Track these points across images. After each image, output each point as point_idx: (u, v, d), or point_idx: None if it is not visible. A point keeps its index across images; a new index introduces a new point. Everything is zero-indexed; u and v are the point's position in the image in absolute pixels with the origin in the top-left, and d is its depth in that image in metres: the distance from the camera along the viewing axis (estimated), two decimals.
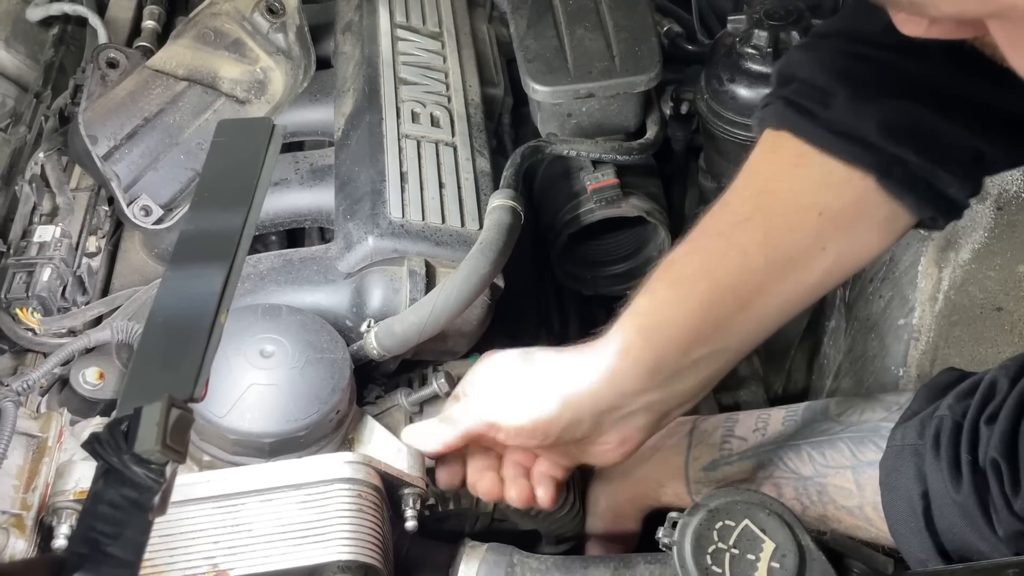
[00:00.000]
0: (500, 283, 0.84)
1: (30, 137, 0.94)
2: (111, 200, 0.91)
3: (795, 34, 0.89)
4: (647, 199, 1.00)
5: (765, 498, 0.63)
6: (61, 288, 0.80)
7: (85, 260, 0.83)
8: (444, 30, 1.02)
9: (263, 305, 0.76)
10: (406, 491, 0.72)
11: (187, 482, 0.68)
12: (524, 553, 0.77)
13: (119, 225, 0.93)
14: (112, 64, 0.88)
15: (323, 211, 0.92)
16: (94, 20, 1.02)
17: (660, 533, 0.65)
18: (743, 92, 0.92)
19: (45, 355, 0.82)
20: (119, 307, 0.83)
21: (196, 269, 0.56)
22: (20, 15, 1.08)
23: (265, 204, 0.91)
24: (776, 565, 0.60)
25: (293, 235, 1.05)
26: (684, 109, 1.04)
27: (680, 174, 1.15)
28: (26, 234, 0.82)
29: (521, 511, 0.83)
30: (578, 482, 0.86)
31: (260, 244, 1.04)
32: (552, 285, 1.12)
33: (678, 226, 1.15)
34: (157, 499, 0.49)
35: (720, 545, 0.61)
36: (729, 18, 0.93)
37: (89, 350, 0.81)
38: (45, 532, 0.71)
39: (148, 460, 0.48)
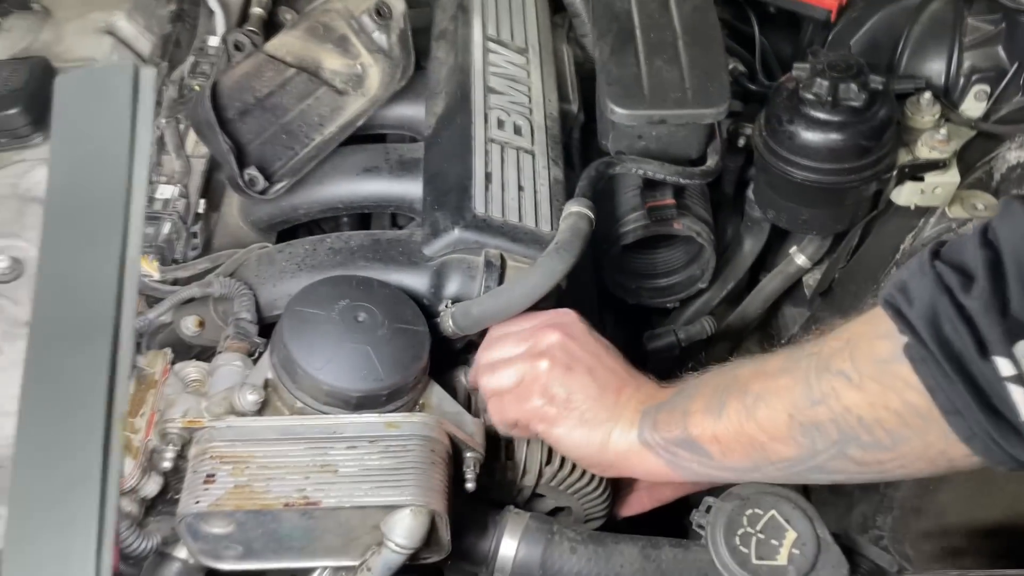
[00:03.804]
0: (563, 284, 0.92)
1: None
2: (216, 168, 1.00)
3: (853, 86, 0.97)
4: (698, 221, 1.09)
5: (792, 493, 0.72)
6: (176, 242, 0.89)
7: (197, 220, 0.92)
8: (530, 46, 1.12)
9: (357, 277, 0.86)
10: (468, 455, 0.81)
11: (283, 423, 0.77)
12: (562, 524, 0.86)
13: (219, 191, 1.03)
14: (238, 47, 0.98)
15: (406, 200, 1.01)
16: (213, 4, 1.12)
17: (695, 515, 0.74)
18: (800, 133, 1.01)
19: (146, 299, 0.91)
20: (221, 264, 0.93)
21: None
22: None
23: (356, 188, 1.04)
24: (796, 552, 0.69)
25: (362, 218, 1.15)
26: (741, 143, 1.12)
27: (728, 202, 1.24)
28: (150, 190, 0.91)
29: (559, 489, 0.92)
30: None
31: (332, 223, 1.14)
32: (596, 290, 1.20)
33: (721, 249, 1.24)
34: None
35: (748, 529, 0.70)
36: (795, 64, 1.01)
37: (190, 301, 0.91)
38: (149, 454, 0.80)
39: None
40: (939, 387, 0.58)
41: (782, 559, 0.68)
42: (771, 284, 1.22)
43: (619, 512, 0.99)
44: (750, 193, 1.16)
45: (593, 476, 0.92)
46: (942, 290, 0.58)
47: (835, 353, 0.66)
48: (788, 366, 0.69)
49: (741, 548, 0.69)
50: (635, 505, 0.99)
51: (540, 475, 0.91)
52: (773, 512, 0.70)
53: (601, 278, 1.16)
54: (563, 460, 0.90)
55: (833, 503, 1.22)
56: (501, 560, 0.82)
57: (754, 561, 0.68)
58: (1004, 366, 0.56)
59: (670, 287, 1.18)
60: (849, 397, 0.64)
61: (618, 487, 0.98)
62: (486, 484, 0.90)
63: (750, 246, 1.21)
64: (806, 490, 1.24)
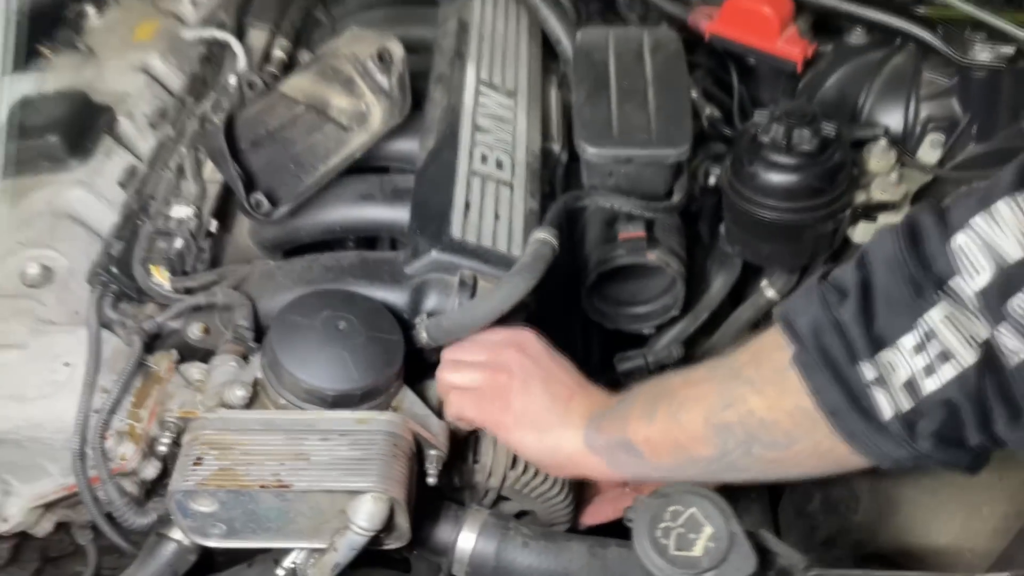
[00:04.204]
0: (530, 302, 1.01)
1: (173, 134, 1.16)
2: (231, 192, 1.12)
3: (806, 132, 1.05)
4: (669, 253, 1.18)
5: (712, 494, 0.80)
6: (187, 256, 1.01)
7: (208, 238, 1.04)
8: (519, 90, 1.22)
9: (343, 291, 0.96)
10: (431, 452, 0.90)
11: (266, 416, 0.87)
12: (519, 522, 0.94)
13: (233, 213, 1.14)
14: (251, 86, 1.10)
15: (397, 225, 1.12)
16: (237, 47, 1.25)
17: (627, 510, 0.82)
18: (760, 174, 1.09)
19: (159, 306, 1.02)
20: (227, 278, 1.03)
21: None
22: (176, 34, 1.32)
23: (353, 213, 1.15)
24: (711, 545, 0.76)
25: (368, 242, 1.26)
26: (712, 182, 1.21)
27: (705, 238, 1.32)
28: (166, 210, 1.03)
29: (523, 492, 1.00)
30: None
31: (340, 245, 1.25)
32: (579, 316, 1.29)
33: (697, 281, 1.32)
34: None
35: (670, 524, 0.78)
36: (756, 111, 1.10)
37: (197, 309, 1.02)
38: (149, 441, 0.90)
39: None
40: (820, 391, 0.67)
41: (697, 551, 0.76)
42: (743, 315, 1.29)
43: (583, 522, 1.07)
44: (722, 228, 1.24)
45: (555, 481, 1.00)
46: (823, 305, 0.67)
47: (744, 363, 0.75)
48: (708, 375, 0.78)
49: (661, 540, 0.77)
50: (598, 515, 1.07)
51: (504, 478, 0.99)
52: (693, 509, 0.78)
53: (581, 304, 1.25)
54: (526, 465, 0.99)
55: (798, 526, 1.28)
56: (459, 551, 0.91)
57: (672, 552, 0.76)
58: (869, 371, 0.64)
59: (645, 315, 1.26)
60: (752, 401, 0.72)
61: (582, 499, 1.06)
62: (454, 486, 0.99)
63: (723, 279, 1.29)
64: (775, 516, 1.31)
